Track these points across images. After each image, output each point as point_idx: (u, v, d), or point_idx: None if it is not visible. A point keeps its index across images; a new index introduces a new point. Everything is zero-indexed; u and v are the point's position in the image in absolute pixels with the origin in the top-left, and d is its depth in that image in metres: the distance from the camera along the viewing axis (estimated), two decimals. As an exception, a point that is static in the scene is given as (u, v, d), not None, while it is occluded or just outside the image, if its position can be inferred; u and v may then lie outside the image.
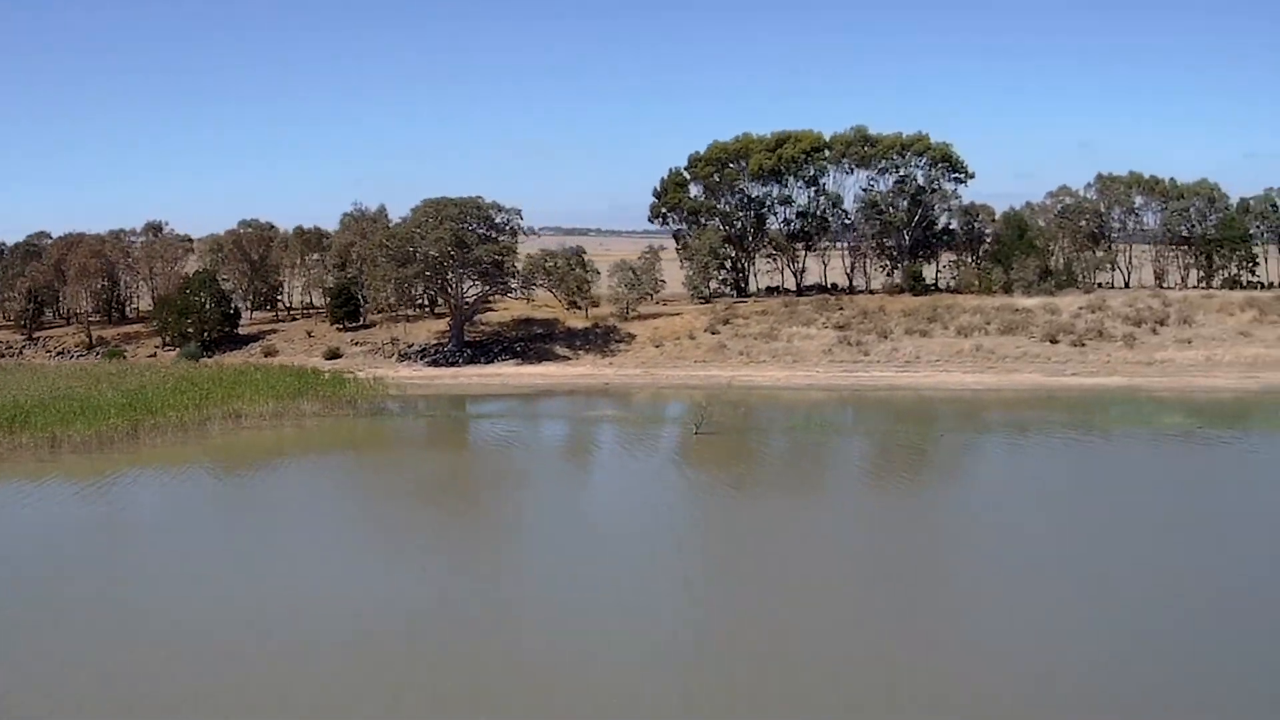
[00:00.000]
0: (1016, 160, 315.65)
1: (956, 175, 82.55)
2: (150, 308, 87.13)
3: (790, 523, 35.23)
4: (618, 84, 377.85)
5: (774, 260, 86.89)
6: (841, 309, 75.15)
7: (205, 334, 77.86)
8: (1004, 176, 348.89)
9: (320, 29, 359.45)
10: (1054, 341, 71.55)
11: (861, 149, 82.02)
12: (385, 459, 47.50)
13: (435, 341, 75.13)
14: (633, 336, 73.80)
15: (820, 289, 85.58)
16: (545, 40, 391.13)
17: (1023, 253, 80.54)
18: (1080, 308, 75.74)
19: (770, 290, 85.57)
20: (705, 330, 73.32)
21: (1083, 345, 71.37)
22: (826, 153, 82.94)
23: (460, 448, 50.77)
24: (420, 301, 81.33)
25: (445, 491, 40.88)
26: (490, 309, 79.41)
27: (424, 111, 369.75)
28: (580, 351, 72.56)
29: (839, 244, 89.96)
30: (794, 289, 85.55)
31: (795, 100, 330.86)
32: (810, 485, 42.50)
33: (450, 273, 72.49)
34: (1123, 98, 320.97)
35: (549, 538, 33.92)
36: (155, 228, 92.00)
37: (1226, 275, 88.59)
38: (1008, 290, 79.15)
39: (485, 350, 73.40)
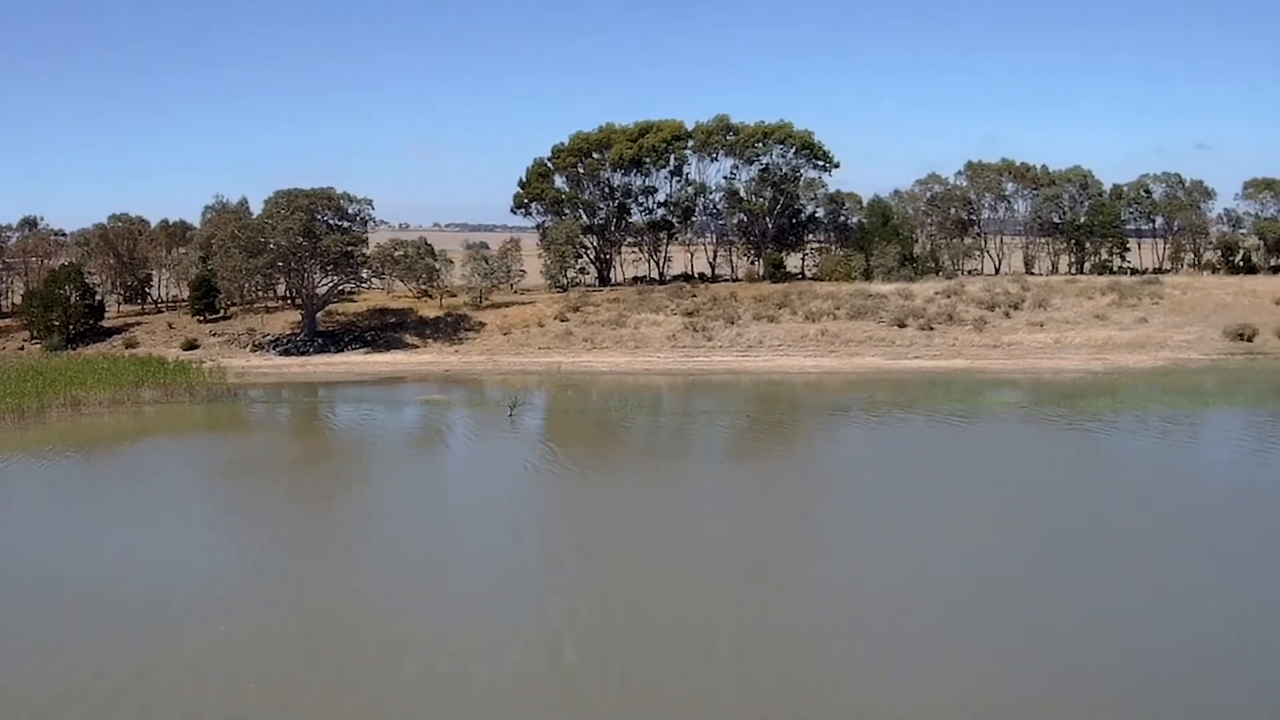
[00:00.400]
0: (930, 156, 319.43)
1: (819, 163, 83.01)
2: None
3: (575, 489, 37.07)
4: (518, 81, 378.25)
5: (639, 250, 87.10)
6: (694, 296, 75.35)
7: (70, 327, 77.53)
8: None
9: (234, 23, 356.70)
10: (902, 326, 71.91)
11: (723, 138, 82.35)
12: (209, 441, 48.17)
13: (290, 332, 74.97)
14: (483, 325, 73.77)
15: (686, 278, 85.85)
16: (460, 38, 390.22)
17: (885, 240, 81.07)
18: (936, 293, 76.21)
19: (636, 280, 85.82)
20: (555, 318, 73.35)
21: (931, 329, 71.87)
22: (689, 142, 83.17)
23: (281, 430, 51.40)
24: (283, 293, 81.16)
25: (253, 468, 41.56)
26: (350, 300, 79.41)
27: (328, 112, 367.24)
28: (429, 340, 72.57)
29: (706, 234, 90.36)
30: (658, 278, 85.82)
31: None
32: (597, 458, 42.94)
33: (302, 263, 72.38)
34: (1029, 93, 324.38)
35: (339, 510, 35.61)
36: (30, 223, 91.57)
37: (1096, 261, 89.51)
38: (868, 277, 79.65)
39: (337, 340, 73.39)
